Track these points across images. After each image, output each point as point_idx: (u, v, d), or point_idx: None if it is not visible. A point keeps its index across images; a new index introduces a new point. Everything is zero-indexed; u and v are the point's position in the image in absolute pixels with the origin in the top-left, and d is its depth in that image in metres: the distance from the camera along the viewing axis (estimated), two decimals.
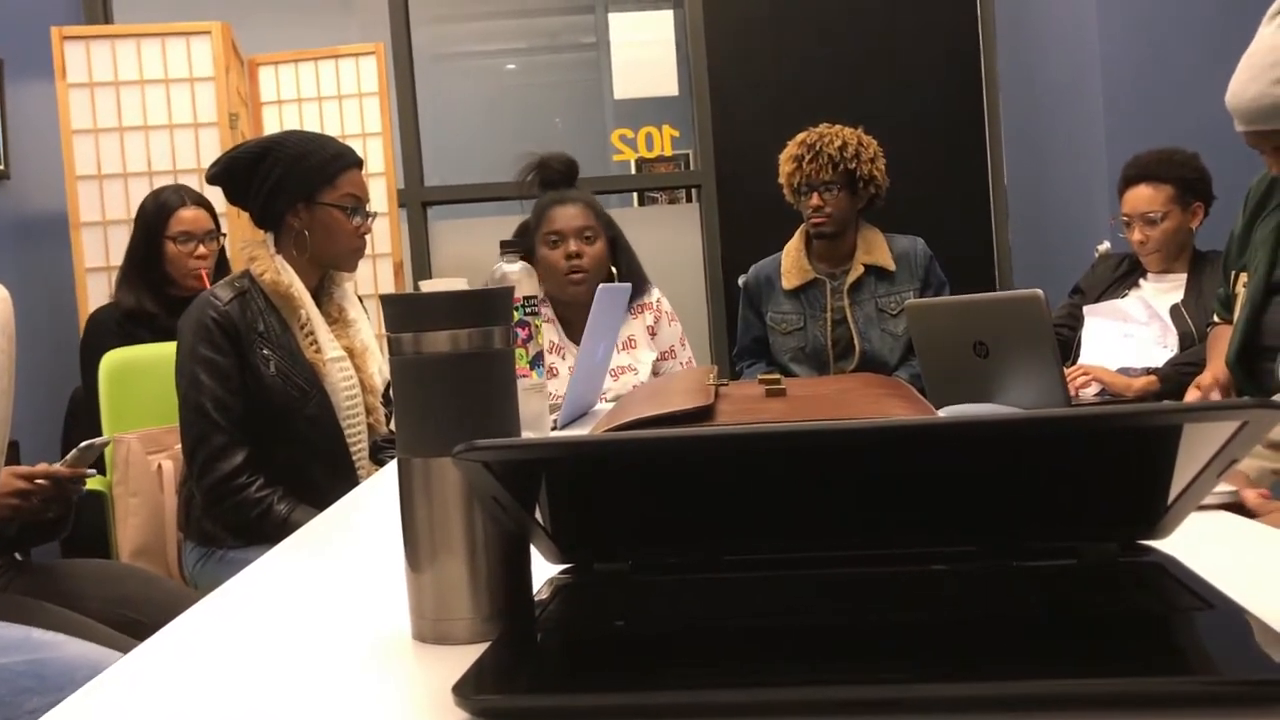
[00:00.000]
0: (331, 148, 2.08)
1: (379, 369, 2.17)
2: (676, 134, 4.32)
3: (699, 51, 4.21)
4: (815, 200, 2.85)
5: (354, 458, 2.08)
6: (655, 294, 2.58)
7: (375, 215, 2.16)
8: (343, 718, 0.59)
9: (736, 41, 4.23)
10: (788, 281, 2.92)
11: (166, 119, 3.43)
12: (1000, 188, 4.26)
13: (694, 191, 4.40)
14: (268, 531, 1.90)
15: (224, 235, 2.92)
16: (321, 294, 2.14)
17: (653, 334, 2.55)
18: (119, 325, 2.74)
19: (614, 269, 2.49)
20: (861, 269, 2.88)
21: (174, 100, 3.44)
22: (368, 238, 2.13)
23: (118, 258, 3.28)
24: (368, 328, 2.21)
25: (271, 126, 3.78)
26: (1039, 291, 1.44)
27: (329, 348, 2.06)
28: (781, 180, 2.94)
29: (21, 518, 1.71)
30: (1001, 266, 4.30)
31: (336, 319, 2.13)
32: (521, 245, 2.37)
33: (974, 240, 4.28)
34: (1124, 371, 2.58)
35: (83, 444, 1.72)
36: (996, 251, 4.31)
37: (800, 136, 2.91)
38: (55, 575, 1.80)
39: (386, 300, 0.73)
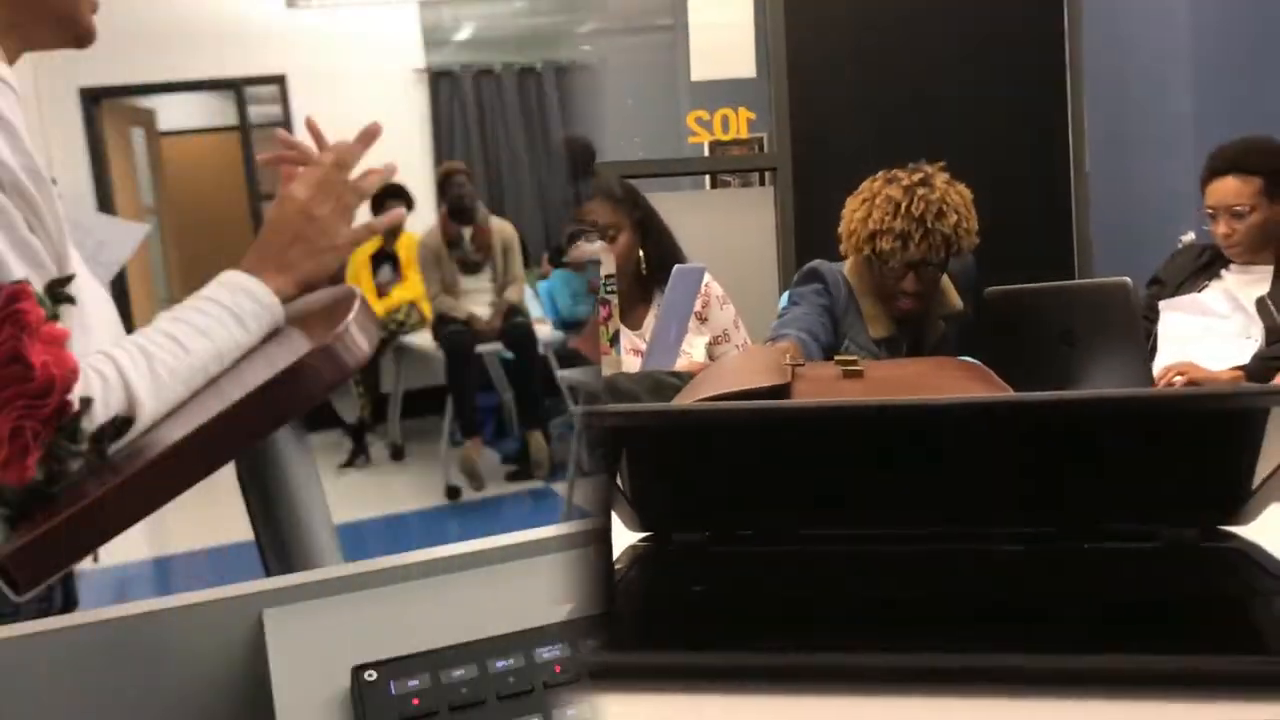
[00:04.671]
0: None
1: None
2: (753, 116, 4.30)
3: (778, 32, 4.18)
4: (911, 284, 2.27)
5: None
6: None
7: None
8: None
9: (817, 22, 4.19)
10: (874, 330, 2.39)
11: None
12: (1082, 176, 4.17)
13: (768, 175, 4.37)
14: None
15: None
16: None
17: (703, 319, 2.45)
18: None
19: (642, 253, 2.38)
20: (941, 326, 2.44)
21: None
22: None
23: None
24: None
25: None
26: (1127, 279, 1.42)
27: None
28: (855, 229, 2.30)
29: None
30: (1082, 258, 4.21)
31: None
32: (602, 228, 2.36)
33: (1053, 230, 4.20)
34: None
35: None
36: (1076, 242, 4.23)
37: (896, 196, 2.23)
38: None
39: None
